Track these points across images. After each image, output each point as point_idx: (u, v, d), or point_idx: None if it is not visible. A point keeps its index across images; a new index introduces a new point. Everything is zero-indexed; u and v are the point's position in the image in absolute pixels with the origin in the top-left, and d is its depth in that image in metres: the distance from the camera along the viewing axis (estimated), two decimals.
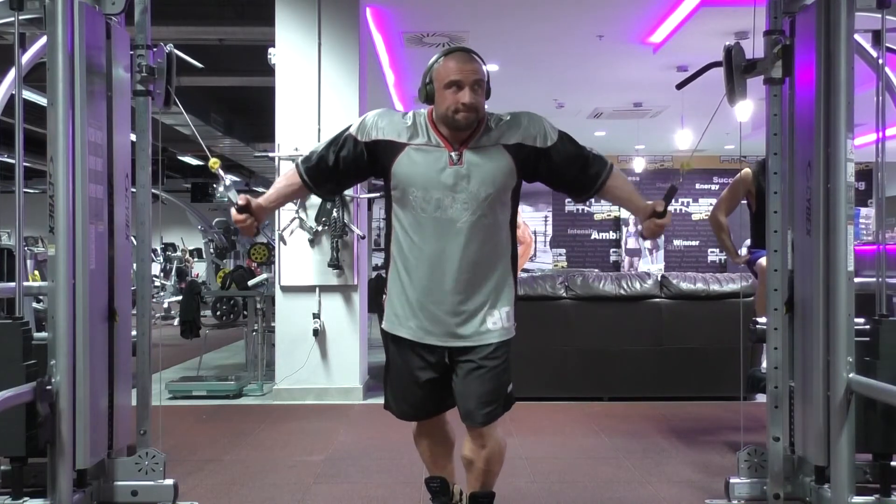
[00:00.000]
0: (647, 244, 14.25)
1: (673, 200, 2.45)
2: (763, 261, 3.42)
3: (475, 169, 2.36)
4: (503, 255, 2.47)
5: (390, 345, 2.54)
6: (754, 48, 2.93)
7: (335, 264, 5.42)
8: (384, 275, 2.55)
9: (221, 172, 2.66)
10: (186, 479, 3.45)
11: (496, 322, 2.43)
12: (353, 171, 2.50)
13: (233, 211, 2.45)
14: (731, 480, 3.00)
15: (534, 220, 13.90)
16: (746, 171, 4.40)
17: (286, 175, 2.56)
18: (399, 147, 2.39)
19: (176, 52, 3.10)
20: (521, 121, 2.43)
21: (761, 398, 3.43)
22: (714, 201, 4.94)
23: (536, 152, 2.41)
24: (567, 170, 2.46)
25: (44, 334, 2.72)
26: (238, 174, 15.65)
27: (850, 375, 2.52)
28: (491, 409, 2.43)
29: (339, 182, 2.57)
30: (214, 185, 13.91)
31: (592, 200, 14.25)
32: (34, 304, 6.60)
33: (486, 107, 2.41)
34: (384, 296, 2.51)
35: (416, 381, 2.49)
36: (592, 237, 14.39)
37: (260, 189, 17.12)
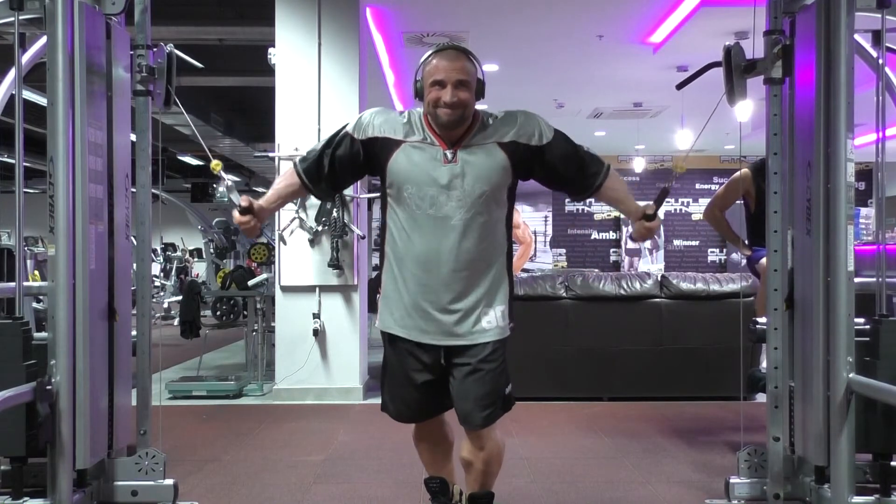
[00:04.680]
0: (647, 244, 14.26)
1: (665, 202, 2.46)
2: (764, 261, 3.42)
3: (469, 167, 2.37)
4: (498, 253, 2.46)
5: (387, 346, 2.54)
6: (754, 48, 2.92)
7: (335, 264, 5.43)
8: (380, 273, 2.55)
9: (223, 174, 2.66)
10: (186, 479, 3.45)
11: (491, 321, 2.42)
12: (350, 169, 2.51)
13: (235, 213, 2.45)
14: (731, 480, 3.00)
15: (534, 220, 13.90)
16: (745, 171, 4.40)
17: (284, 175, 2.56)
18: (395, 144, 2.41)
19: (176, 52, 3.10)
20: (515, 119, 2.43)
21: (761, 398, 3.43)
22: None
23: (531, 150, 2.41)
24: (563, 169, 2.46)
25: (44, 334, 2.72)
26: (238, 174, 15.65)
27: (850, 375, 2.52)
28: (489, 412, 2.42)
29: (336, 181, 2.56)
30: (214, 185, 13.91)
31: (592, 200, 14.31)
32: (34, 304, 6.60)
33: (475, 105, 2.40)
34: (379, 294, 2.52)
35: (413, 383, 2.49)
36: (592, 237, 14.39)
37: (260, 189, 17.14)
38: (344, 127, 2.49)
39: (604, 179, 2.48)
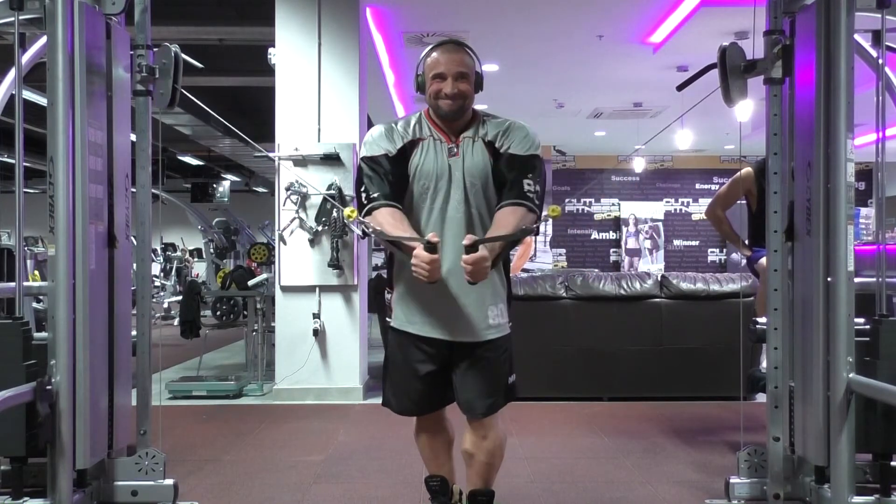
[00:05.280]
0: (648, 244, 14.26)
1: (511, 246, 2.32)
2: (764, 261, 3.42)
3: (465, 159, 2.46)
4: None
5: (391, 340, 2.56)
6: (754, 48, 2.93)
7: (335, 264, 5.43)
8: (385, 274, 2.58)
9: (362, 220, 2.42)
10: (186, 479, 3.45)
11: (495, 317, 2.47)
12: (405, 178, 2.48)
13: (420, 253, 2.19)
14: (731, 480, 3.00)
15: None
16: (747, 170, 4.40)
17: (389, 220, 2.34)
18: (416, 143, 2.49)
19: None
20: (504, 124, 2.51)
21: (761, 398, 3.43)
22: None
23: (496, 152, 2.47)
24: (500, 179, 2.45)
25: (44, 334, 2.71)
26: (238, 174, 15.65)
27: (850, 375, 2.52)
28: (492, 401, 2.45)
29: (403, 189, 2.50)
30: (214, 186, 13.90)
31: (592, 200, 14.33)
32: (34, 304, 6.60)
33: (474, 99, 2.47)
34: (390, 294, 2.53)
35: (417, 374, 2.51)
36: (592, 237, 14.39)
37: (260, 189, 17.13)
38: (364, 155, 2.48)
39: (503, 206, 2.39)
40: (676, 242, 14.40)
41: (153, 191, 3.16)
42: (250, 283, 6.82)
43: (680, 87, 3.32)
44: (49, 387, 2.57)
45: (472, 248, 2.18)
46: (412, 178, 2.47)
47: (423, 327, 2.47)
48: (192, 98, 3.02)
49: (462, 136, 2.48)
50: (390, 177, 2.42)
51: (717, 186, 14.01)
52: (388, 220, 2.33)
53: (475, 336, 2.45)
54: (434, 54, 2.45)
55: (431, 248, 2.17)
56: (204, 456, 4.03)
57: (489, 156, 2.47)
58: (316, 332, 5.48)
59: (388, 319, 2.56)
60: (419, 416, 2.63)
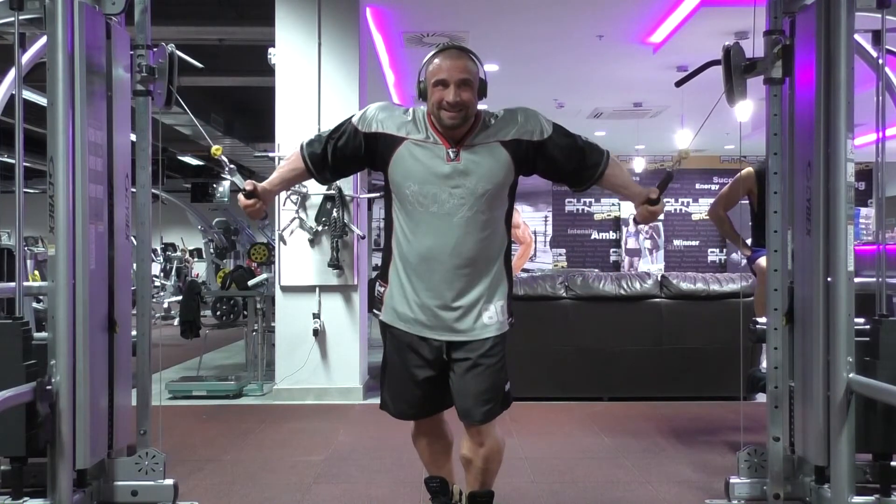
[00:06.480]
0: (648, 244, 14.25)
1: (667, 188, 2.52)
2: (762, 260, 3.42)
3: (473, 166, 2.39)
4: (499, 250, 2.49)
5: (388, 343, 2.55)
6: (754, 48, 2.93)
7: (335, 264, 5.43)
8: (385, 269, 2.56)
9: (224, 159, 2.74)
10: (186, 479, 3.45)
11: (492, 317, 2.45)
12: (352, 160, 2.53)
13: (240, 196, 2.47)
14: (731, 480, 3.00)
15: (534, 220, 13.90)
16: (749, 170, 4.39)
17: (290, 159, 2.58)
18: (398, 141, 2.42)
19: (177, 52, 3.09)
20: (516, 117, 2.45)
21: (761, 398, 3.43)
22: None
23: (533, 146, 2.44)
24: (564, 162, 2.49)
25: (44, 334, 2.71)
26: (238, 174, 15.64)
27: (850, 375, 2.52)
28: (489, 407, 2.43)
29: (337, 170, 2.59)
30: (214, 186, 13.90)
31: (592, 200, 14.32)
32: (34, 304, 6.60)
33: (478, 105, 2.42)
34: (383, 288, 2.52)
35: (414, 379, 2.50)
36: (592, 237, 14.39)
37: None
38: (350, 118, 2.52)
39: (604, 168, 2.51)
40: (676, 242, 14.39)
41: (153, 191, 3.15)
42: (250, 283, 6.82)
43: (678, 84, 3.32)
44: (49, 387, 2.57)
45: (657, 201, 2.46)
46: (399, 179, 2.41)
47: (414, 325, 2.45)
48: (181, 101, 3.03)
49: (467, 142, 2.40)
50: (337, 143, 2.49)
51: (718, 186, 14.02)
52: (283, 164, 2.61)
53: (467, 335, 2.42)
54: (436, 60, 2.37)
55: (247, 194, 2.45)
56: (204, 456, 4.03)
57: (509, 155, 2.41)
58: (316, 332, 5.48)
59: (375, 312, 2.56)
60: (417, 420, 2.62)
